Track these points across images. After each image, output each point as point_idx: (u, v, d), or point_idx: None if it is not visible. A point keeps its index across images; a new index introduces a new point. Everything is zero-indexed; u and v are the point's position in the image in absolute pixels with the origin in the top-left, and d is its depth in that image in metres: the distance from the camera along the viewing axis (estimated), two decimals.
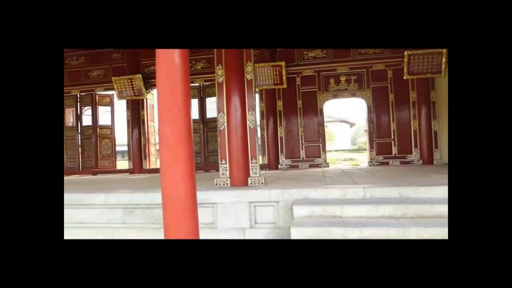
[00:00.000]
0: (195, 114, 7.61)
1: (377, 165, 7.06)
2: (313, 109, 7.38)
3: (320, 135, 7.41)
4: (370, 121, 7.24)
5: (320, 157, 7.37)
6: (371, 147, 7.27)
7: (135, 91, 7.58)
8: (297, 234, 2.85)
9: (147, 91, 7.70)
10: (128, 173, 7.78)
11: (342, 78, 7.28)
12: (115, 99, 8.15)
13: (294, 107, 7.43)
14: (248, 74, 4.14)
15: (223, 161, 4.17)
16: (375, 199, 3.36)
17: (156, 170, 7.79)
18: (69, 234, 4.11)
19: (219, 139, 4.26)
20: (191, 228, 2.27)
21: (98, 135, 8.23)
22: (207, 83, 7.63)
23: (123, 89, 7.60)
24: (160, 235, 3.78)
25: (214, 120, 7.48)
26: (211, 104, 7.91)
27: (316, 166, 7.28)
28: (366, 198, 3.40)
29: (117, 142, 8.57)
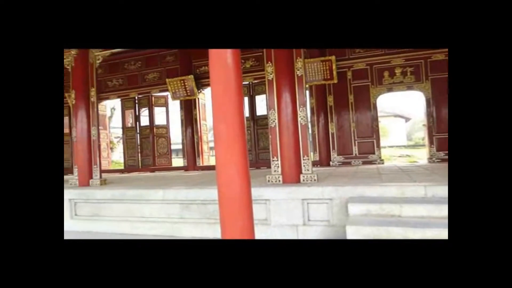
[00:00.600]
0: (245, 112, 7.72)
1: (437, 162, 6.60)
2: (366, 104, 7.11)
3: (373, 131, 7.11)
4: (429, 115, 6.79)
5: (374, 153, 7.08)
6: (431, 142, 6.81)
7: (188, 91, 7.87)
8: (353, 233, 2.77)
9: (199, 91, 7.96)
10: (182, 170, 8.13)
11: (397, 71, 6.91)
12: (170, 100, 8.54)
13: (346, 102, 7.21)
14: (298, 70, 4.10)
15: (275, 158, 4.17)
16: (438, 198, 3.14)
17: (209, 167, 8.04)
18: (130, 227, 4.41)
19: (270, 136, 4.27)
20: (246, 224, 2.31)
21: (155, 135, 8.70)
22: (256, 81, 7.69)
23: (177, 90, 7.93)
24: (215, 230, 3.91)
25: (263, 117, 7.53)
26: (261, 102, 7.97)
27: (370, 163, 7.01)
28: (428, 197, 3.20)
29: (172, 141, 8.98)
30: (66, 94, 8.87)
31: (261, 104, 8.08)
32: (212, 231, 3.97)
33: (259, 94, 7.77)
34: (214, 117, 2.32)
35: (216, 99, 2.33)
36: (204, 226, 4.02)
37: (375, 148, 7.08)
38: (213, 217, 3.99)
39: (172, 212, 4.21)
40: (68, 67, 5.72)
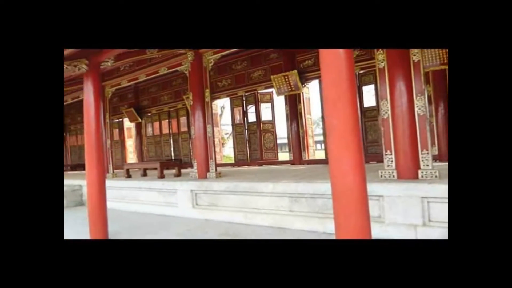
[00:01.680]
0: None
1: None
2: None
3: None
4: None
5: None
6: None
7: (292, 86, 7.96)
8: None
9: (303, 85, 7.96)
10: (288, 164, 8.29)
11: None
12: (274, 96, 8.78)
13: None
14: (414, 55, 3.73)
15: (388, 152, 3.90)
16: None
17: (315, 161, 8.02)
18: (244, 217, 4.70)
19: (382, 129, 4.01)
20: (360, 218, 2.21)
21: (262, 130, 9.08)
22: (362, 71, 7.31)
23: (281, 86, 8.09)
24: (324, 225, 3.89)
25: (371, 109, 7.12)
26: (367, 93, 7.56)
27: None
28: None
29: (277, 136, 9.23)
30: (184, 97, 9.95)
31: (368, 95, 7.66)
32: (321, 226, 3.95)
33: (366, 84, 7.37)
34: (326, 110, 2.28)
35: (328, 91, 2.29)
36: (313, 220, 4.03)
37: None
38: (322, 211, 3.97)
39: (282, 204, 4.33)
40: (185, 72, 6.38)
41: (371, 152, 7.32)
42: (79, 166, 13.57)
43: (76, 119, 14.79)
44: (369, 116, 7.30)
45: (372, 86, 7.11)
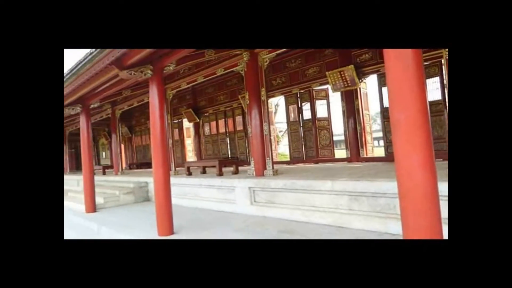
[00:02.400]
0: None
1: None
2: None
3: None
4: None
5: None
6: None
7: (348, 82, 7.73)
8: None
9: (360, 80, 7.70)
10: (345, 162, 8.08)
11: None
12: (330, 92, 8.61)
13: None
14: None
15: None
16: None
17: (373, 159, 7.72)
18: (301, 215, 4.68)
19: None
20: (429, 219, 2.10)
21: (317, 127, 8.95)
22: (427, 63, 6.86)
23: (336, 82, 7.90)
24: (386, 225, 3.74)
25: (436, 103, 6.66)
26: (432, 85, 7.07)
27: None
28: None
29: (333, 133, 9.03)
30: (239, 96, 10.17)
31: (430, 88, 7.16)
32: (383, 226, 3.80)
33: (430, 77, 6.89)
34: (391, 105, 2.20)
35: (392, 85, 2.21)
36: (374, 220, 3.89)
37: None
38: (384, 211, 3.82)
39: (341, 203, 4.25)
40: (241, 72, 6.52)
41: (436, 149, 6.84)
42: (144, 164, 14.56)
43: (140, 121, 15.87)
44: (433, 110, 6.83)
45: (436, 79, 6.64)
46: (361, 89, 8.03)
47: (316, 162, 8.73)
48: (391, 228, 3.70)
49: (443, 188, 3.29)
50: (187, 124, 13.65)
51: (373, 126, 9.24)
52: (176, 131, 13.44)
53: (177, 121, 13.32)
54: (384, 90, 7.42)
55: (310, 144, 9.13)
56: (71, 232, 5.78)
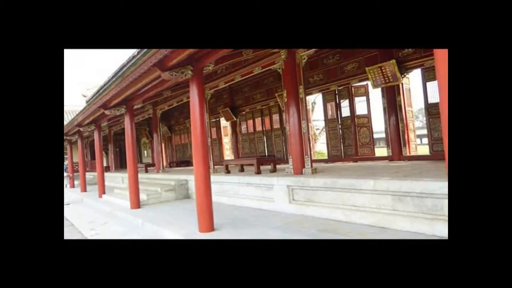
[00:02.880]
0: None
1: None
2: None
3: None
4: None
5: None
6: None
7: (389, 77, 7.46)
8: None
9: (402, 76, 7.39)
10: (386, 160, 7.80)
11: None
12: (370, 88, 8.34)
13: None
14: None
15: None
16: None
17: (417, 157, 7.39)
18: (342, 214, 4.60)
19: None
20: None
21: (356, 125, 8.73)
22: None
23: (377, 77, 7.64)
24: (433, 227, 3.57)
25: None
26: None
27: None
28: None
29: (374, 130, 8.75)
30: (275, 94, 10.16)
31: None
32: (430, 227, 3.63)
33: None
34: (441, 101, 2.09)
35: (442, 80, 2.09)
36: (420, 221, 3.72)
37: None
38: (431, 212, 3.64)
39: (383, 203, 4.11)
40: (279, 70, 6.50)
41: None
42: (183, 163, 15.01)
43: (179, 120, 16.35)
44: None
45: None
46: (404, 85, 7.71)
47: (355, 161, 8.51)
48: (438, 230, 3.52)
49: None
50: (224, 123, 13.89)
51: (416, 123, 8.83)
52: (214, 130, 13.71)
53: (214, 120, 13.58)
54: (430, 85, 7.07)
55: (349, 142, 8.92)
56: (118, 227, 6.10)
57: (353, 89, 8.81)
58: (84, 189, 12.68)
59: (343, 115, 9.10)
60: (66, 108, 25.20)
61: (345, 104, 9.11)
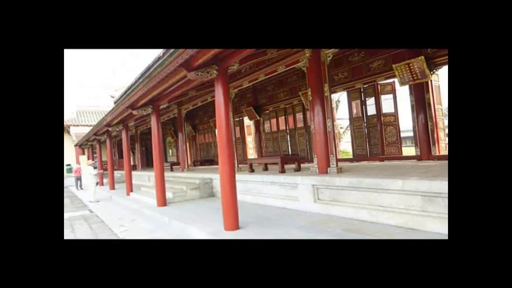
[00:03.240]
0: None
1: None
2: None
3: None
4: None
5: None
6: None
7: (418, 74, 7.24)
8: None
9: (432, 72, 7.15)
10: (414, 160, 7.58)
11: None
12: (397, 86, 8.13)
13: None
14: None
15: None
16: None
17: (447, 157, 7.13)
18: (368, 214, 4.52)
19: None
20: None
21: (382, 123, 8.52)
22: None
23: (404, 75, 7.44)
24: None
25: None
26: None
27: None
28: None
29: (401, 128, 8.51)
30: (299, 93, 10.10)
31: None
32: None
33: None
34: None
35: None
36: None
37: None
38: None
39: (412, 203, 4.00)
40: (303, 68, 6.46)
41: None
42: (207, 161, 15.20)
43: (203, 119, 16.57)
44: None
45: None
46: (433, 82, 7.46)
47: (382, 160, 8.33)
48: None
49: None
50: (247, 122, 13.94)
51: (446, 121, 8.51)
52: (237, 129, 13.79)
53: (238, 119, 13.66)
54: None
55: (375, 141, 8.73)
56: (146, 224, 6.26)
57: (379, 86, 8.61)
58: (112, 187, 13.09)
59: (369, 113, 8.92)
60: (95, 108, 26.14)
61: (370, 102, 8.92)
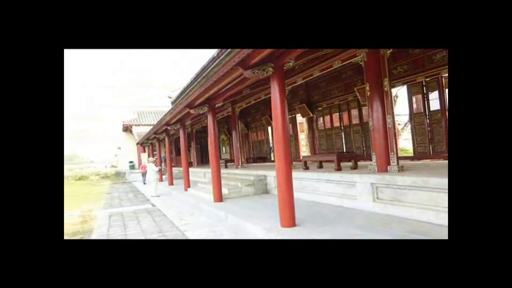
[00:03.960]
0: None
1: None
2: None
3: None
4: None
5: None
6: None
7: None
8: None
9: None
10: None
11: None
12: None
13: None
14: None
15: None
16: None
17: None
18: (435, 216, 4.27)
19: None
20: None
21: (447, 119, 7.93)
22: None
23: None
24: None
25: None
26: None
27: None
28: None
29: None
30: (355, 88, 9.77)
31: None
32: None
33: None
34: None
35: None
36: None
37: None
38: None
39: None
40: (361, 63, 6.24)
41: None
42: (260, 159, 15.35)
43: (256, 117, 16.75)
44: None
45: None
46: None
47: (446, 158, 7.76)
48: None
49: None
50: (300, 119, 13.82)
51: None
52: (290, 126, 13.73)
53: (290, 116, 13.60)
54: None
55: (439, 138, 8.14)
56: (204, 218, 6.52)
57: (444, 80, 8.02)
58: (171, 183, 13.79)
59: (432, 108, 8.34)
60: (153, 109, 27.78)
61: (433, 96, 8.34)
